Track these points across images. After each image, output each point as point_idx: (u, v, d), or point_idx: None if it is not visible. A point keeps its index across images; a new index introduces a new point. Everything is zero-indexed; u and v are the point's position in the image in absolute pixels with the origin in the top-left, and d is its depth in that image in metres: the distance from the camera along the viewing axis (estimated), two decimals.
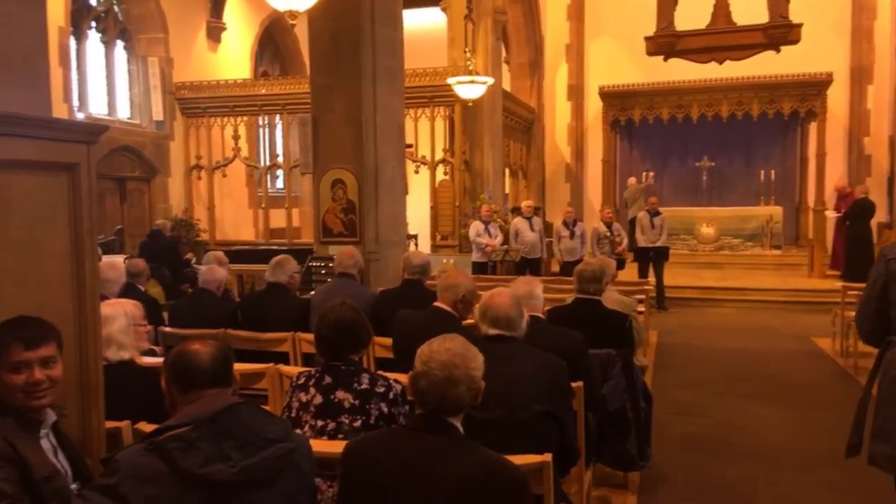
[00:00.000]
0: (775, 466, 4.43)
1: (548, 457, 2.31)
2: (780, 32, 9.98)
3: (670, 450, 4.60)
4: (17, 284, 2.00)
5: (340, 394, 2.51)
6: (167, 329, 4.47)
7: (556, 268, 10.81)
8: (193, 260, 9.94)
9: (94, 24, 11.61)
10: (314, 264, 6.71)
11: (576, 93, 15.73)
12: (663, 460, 4.35)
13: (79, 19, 11.13)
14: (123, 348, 2.79)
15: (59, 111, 8.85)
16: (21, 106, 2.08)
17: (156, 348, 3.69)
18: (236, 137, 12.40)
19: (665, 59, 11.01)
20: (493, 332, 2.72)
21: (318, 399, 2.52)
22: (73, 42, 10.78)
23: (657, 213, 10.37)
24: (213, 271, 4.94)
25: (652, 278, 9.94)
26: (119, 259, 6.93)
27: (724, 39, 10.27)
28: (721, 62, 10.80)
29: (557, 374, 2.70)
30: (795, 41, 10.10)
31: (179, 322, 4.58)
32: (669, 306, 10.17)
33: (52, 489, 1.78)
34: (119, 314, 2.86)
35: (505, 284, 3.57)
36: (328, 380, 2.54)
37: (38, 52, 2.27)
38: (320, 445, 2.38)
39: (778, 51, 10.40)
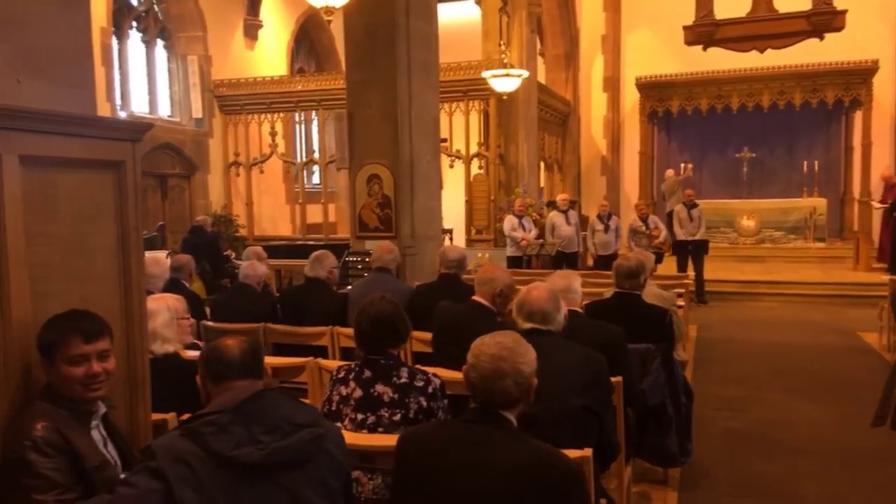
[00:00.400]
0: (820, 463, 4.34)
1: (588, 451, 2.29)
2: (823, 19, 9.72)
3: (712, 446, 4.54)
4: (65, 280, 2.04)
5: (380, 387, 2.53)
6: (209, 323, 4.55)
7: (590, 262, 10.71)
8: (233, 256, 10.08)
9: (134, 23, 11.85)
10: (351, 259, 6.76)
11: (612, 84, 15.53)
12: (705, 456, 4.29)
13: (120, 19, 11.36)
14: (168, 342, 2.85)
15: (102, 110, 9.03)
16: (68, 105, 2.12)
17: (199, 342, 3.75)
18: (273, 134, 12.53)
19: (704, 49, 10.81)
20: (527, 325, 2.71)
21: (358, 393, 2.54)
22: (114, 42, 11.02)
23: (694, 206, 10.20)
24: (254, 267, 5.02)
25: (691, 272, 9.79)
26: (162, 254, 7.08)
27: (765, 27, 10.05)
28: (762, 51, 10.57)
29: (597, 369, 2.68)
30: (840, 28, 9.82)
31: (221, 316, 4.67)
32: (710, 300, 10.01)
33: (102, 478, 1.83)
34: (163, 308, 2.92)
35: (540, 279, 3.55)
36: (368, 374, 2.57)
37: (83, 52, 2.31)
38: (360, 438, 2.41)
39: (821, 38, 10.13)
